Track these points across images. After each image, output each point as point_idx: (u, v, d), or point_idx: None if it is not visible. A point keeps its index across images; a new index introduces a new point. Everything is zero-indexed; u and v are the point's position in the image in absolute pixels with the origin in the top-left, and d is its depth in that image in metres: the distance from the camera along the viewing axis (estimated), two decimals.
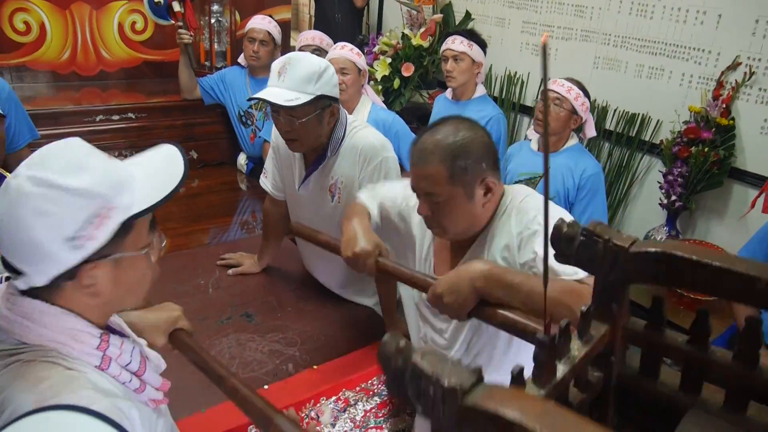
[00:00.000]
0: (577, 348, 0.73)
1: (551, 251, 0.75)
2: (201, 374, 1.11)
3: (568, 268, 1.13)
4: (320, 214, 1.94)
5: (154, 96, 3.22)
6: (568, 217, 1.26)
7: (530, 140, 2.55)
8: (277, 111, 1.73)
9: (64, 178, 0.77)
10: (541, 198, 1.35)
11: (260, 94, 1.70)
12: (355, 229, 1.44)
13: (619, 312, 0.75)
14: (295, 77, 1.69)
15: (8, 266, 0.81)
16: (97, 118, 2.95)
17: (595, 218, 2.24)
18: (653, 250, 0.70)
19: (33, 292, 0.81)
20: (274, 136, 1.99)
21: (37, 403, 0.73)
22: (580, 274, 1.13)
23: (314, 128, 1.76)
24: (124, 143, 2.98)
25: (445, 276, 1.26)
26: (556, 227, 0.76)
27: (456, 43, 2.74)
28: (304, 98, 1.68)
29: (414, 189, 1.34)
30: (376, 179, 1.83)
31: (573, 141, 2.37)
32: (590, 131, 2.42)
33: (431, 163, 1.27)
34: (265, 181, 2.11)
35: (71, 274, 0.80)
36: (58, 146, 0.82)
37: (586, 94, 2.34)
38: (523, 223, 1.30)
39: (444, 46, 2.80)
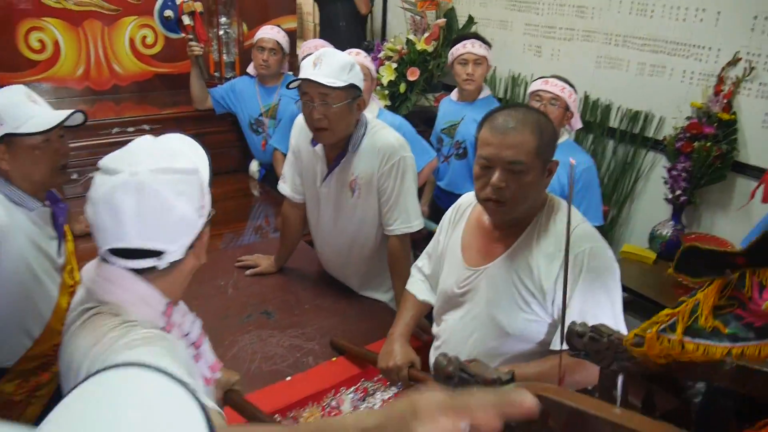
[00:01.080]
0: None
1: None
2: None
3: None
4: (340, 210, 2.03)
5: (167, 108, 3.31)
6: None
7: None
8: (311, 99, 1.81)
9: (175, 163, 0.92)
10: (586, 227, 1.41)
11: (307, 76, 1.79)
12: (393, 345, 1.62)
13: (619, 397, 0.88)
14: (332, 65, 1.80)
15: (139, 253, 0.92)
16: (113, 131, 3.04)
17: (592, 210, 2.33)
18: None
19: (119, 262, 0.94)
20: (295, 139, 2.07)
21: (117, 355, 0.83)
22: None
23: (345, 117, 1.85)
24: None
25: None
26: (569, 328, 0.92)
27: (476, 47, 2.79)
28: (341, 83, 1.79)
29: (491, 159, 1.34)
30: (394, 177, 1.92)
31: (565, 137, 2.42)
32: (577, 123, 2.50)
33: (522, 133, 1.32)
34: (284, 186, 2.19)
35: (193, 242, 0.97)
36: (144, 141, 0.96)
37: (575, 90, 2.41)
38: (573, 273, 1.35)
39: (462, 50, 2.82)
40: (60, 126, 1.62)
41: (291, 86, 1.86)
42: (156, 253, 0.94)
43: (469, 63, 2.81)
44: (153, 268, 0.95)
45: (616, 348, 0.91)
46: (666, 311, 0.84)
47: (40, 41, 3.15)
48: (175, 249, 0.95)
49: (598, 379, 0.93)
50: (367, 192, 1.96)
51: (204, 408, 0.45)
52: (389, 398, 1.84)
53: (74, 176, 2.89)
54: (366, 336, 1.90)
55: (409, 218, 1.96)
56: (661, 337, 0.81)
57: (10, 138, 1.56)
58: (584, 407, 0.71)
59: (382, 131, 1.97)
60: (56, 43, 3.19)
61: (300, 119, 2.12)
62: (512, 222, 1.43)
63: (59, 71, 3.25)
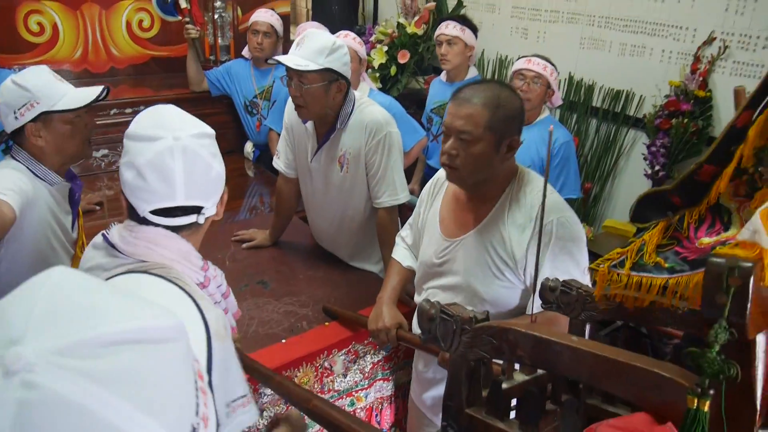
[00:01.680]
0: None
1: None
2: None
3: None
4: (330, 184, 2.13)
5: (162, 90, 3.39)
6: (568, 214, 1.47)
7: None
8: (291, 76, 1.92)
9: (204, 128, 1.04)
10: (556, 198, 1.52)
11: (277, 58, 1.91)
12: (381, 308, 1.72)
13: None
14: (310, 48, 1.90)
15: (182, 211, 1.03)
16: (111, 112, 3.12)
17: (569, 183, 2.43)
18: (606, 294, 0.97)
19: (150, 223, 1.03)
20: (288, 116, 2.18)
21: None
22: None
23: (320, 98, 1.94)
24: None
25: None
26: (543, 284, 1.04)
27: (449, 28, 2.90)
28: (313, 66, 1.88)
29: (447, 127, 1.46)
30: (381, 152, 2.01)
31: (545, 113, 2.53)
32: (557, 101, 2.61)
33: (475, 106, 1.41)
34: (278, 162, 2.29)
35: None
36: (168, 110, 1.06)
37: (555, 69, 2.51)
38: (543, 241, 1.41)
39: (438, 31, 2.96)
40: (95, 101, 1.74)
41: (270, 62, 2.00)
42: (196, 210, 1.04)
43: (443, 43, 2.91)
44: (191, 225, 1.05)
45: (584, 299, 1.01)
46: (617, 249, 0.95)
47: (39, 24, 3.22)
48: (210, 205, 1.06)
49: (568, 329, 1.04)
50: (355, 166, 2.06)
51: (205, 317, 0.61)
52: (378, 361, 1.96)
53: None
54: (357, 303, 2.00)
55: (396, 191, 2.06)
56: (612, 272, 0.93)
57: (46, 115, 1.66)
58: (546, 336, 0.82)
59: (369, 107, 2.07)
60: (55, 26, 3.27)
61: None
62: (481, 193, 1.52)
63: (57, 54, 3.32)
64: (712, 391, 0.62)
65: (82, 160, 1.85)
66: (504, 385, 0.89)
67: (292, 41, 3.84)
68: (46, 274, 0.52)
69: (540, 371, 0.96)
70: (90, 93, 1.72)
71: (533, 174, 1.55)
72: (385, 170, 2.04)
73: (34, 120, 1.65)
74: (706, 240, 0.83)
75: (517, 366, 0.98)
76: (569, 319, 1.05)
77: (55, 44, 3.31)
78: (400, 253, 1.84)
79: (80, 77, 3.42)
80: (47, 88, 1.65)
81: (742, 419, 0.63)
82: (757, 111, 0.78)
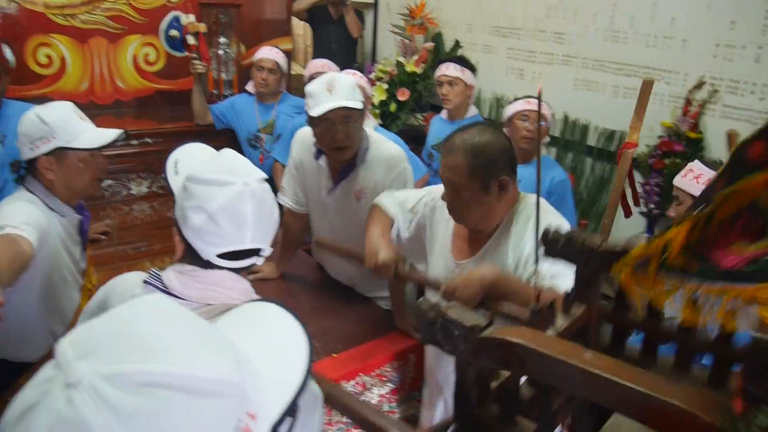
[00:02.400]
0: (561, 321, 0.96)
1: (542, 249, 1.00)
2: None
3: (549, 275, 1.37)
4: (346, 217, 2.18)
5: (165, 122, 3.45)
6: (565, 224, 1.51)
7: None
8: (333, 123, 1.96)
9: (263, 174, 1.09)
10: (552, 212, 1.58)
11: (324, 108, 1.92)
12: (376, 242, 1.67)
13: (593, 295, 0.96)
14: (346, 89, 1.98)
15: (247, 254, 1.07)
16: (117, 143, 3.15)
17: (566, 219, 2.48)
18: (616, 246, 0.92)
19: (214, 266, 1.06)
20: (297, 153, 2.23)
21: None
22: (558, 281, 1.33)
23: (360, 133, 2.05)
24: (143, 167, 3.20)
25: (457, 276, 1.49)
26: (545, 232, 1.00)
27: (450, 69, 3.01)
28: (359, 104, 1.98)
29: (441, 178, 1.56)
30: (397, 186, 2.08)
31: (542, 152, 2.62)
32: (545, 138, 2.72)
33: (456, 157, 1.50)
34: (284, 198, 2.33)
35: None
36: (231, 154, 1.12)
37: (547, 104, 2.62)
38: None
39: (438, 72, 3.06)
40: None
41: (316, 114, 1.95)
42: (258, 252, 1.08)
43: (444, 84, 3.01)
44: (250, 266, 1.09)
45: (590, 249, 0.96)
46: (638, 249, 0.83)
47: (48, 56, 3.29)
48: (267, 246, 1.10)
49: (575, 280, 0.99)
50: (373, 199, 2.11)
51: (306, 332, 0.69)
52: (385, 393, 1.99)
53: None
54: (364, 335, 2.02)
55: None
56: (636, 274, 0.85)
57: (61, 151, 1.70)
58: (556, 355, 0.75)
59: (386, 144, 2.16)
60: (62, 59, 3.34)
61: (300, 135, 2.28)
62: (490, 226, 1.59)
63: (64, 86, 3.38)
64: None
65: (88, 196, 1.90)
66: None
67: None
68: (143, 298, 0.56)
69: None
70: (108, 135, 1.78)
71: (532, 195, 1.62)
72: None
73: (48, 153, 1.69)
74: (745, 246, 0.70)
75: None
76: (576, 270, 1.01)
77: (62, 76, 3.37)
78: (386, 201, 1.85)
79: (86, 109, 3.36)
80: (66, 124, 1.71)
81: None
82: None
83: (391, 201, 1.85)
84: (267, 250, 1.11)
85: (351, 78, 2.04)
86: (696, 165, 2.02)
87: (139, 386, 0.49)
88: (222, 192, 1.02)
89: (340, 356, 1.92)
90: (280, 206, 2.41)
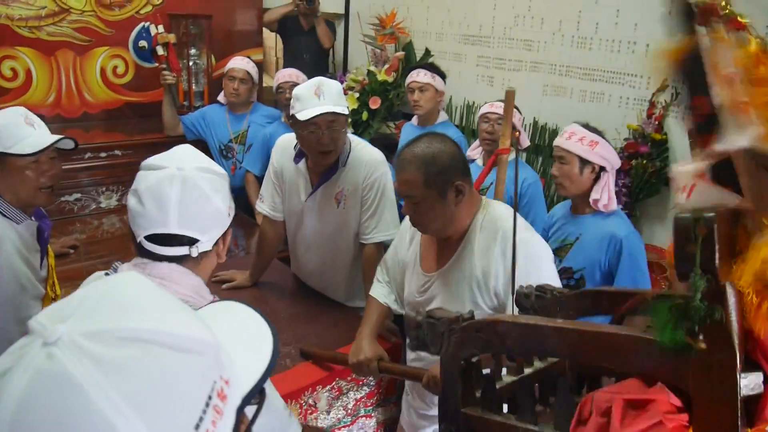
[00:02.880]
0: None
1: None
2: None
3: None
4: (324, 221, 2.19)
5: (136, 134, 3.41)
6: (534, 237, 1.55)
7: (475, 159, 2.76)
8: (319, 127, 1.97)
9: (213, 166, 1.09)
10: (518, 222, 1.57)
11: (313, 112, 1.93)
12: (360, 341, 1.76)
13: None
14: (333, 94, 1.99)
15: (174, 240, 1.05)
16: (85, 156, 3.12)
17: (538, 221, 2.52)
18: (580, 291, 1.04)
19: (167, 259, 1.06)
20: (277, 160, 2.24)
21: None
22: None
23: (344, 137, 2.06)
24: (112, 179, 3.16)
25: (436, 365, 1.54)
26: (518, 292, 1.07)
27: (420, 76, 3.04)
28: (345, 110, 2.00)
29: (398, 192, 1.60)
30: (376, 189, 2.11)
31: (512, 155, 2.65)
32: (525, 142, 2.75)
33: (409, 171, 1.53)
34: (263, 206, 2.32)
35: (218, 238, 1.10)
36: (185, 148, 1.11)
37: (519, 111, 2.65)
38: (507, 257, 1.51)
39: (409, 79, 3.10)
40: (50, 149, 1.73)
41: (303, 118, 1.95)
42: (190, 241, 1.06)
43: (415, 90, 3.04)
44: (187, 257, 1.07)
45: (559, 301, 1.04)
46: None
47: (13, 69, 3.24)
48: (206, 240, 1.07)
49: None
50: (353, 202, 2.13)
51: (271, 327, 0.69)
52: (361, 397, 1.98)
53: None
54: (340, 340, 2.01)
55: (387, 227, 2.13)
56: None
57: (2, 157, 1.67)
58: (533, 321, 0.86)
59: (367, 147, 2.18)
60: (28, 72, 3.28)
61: (281, 141, 2.27)
62: (455, 233, 1.61)
63: (30, 98, 3.32)
64: (701, 336, 0.66)
65: (37, 206, 1.83)
66: (496, 385, 0.92)
67: (266, 87, 3.96)
68: (123, 273, 0.59)
69: (527, 371, 1.00)
70: (47, 140, 1.72)
71: (496, 203, 1.66)
72: (377, 206, 2.12)
73: None
74: None
75: (504, 371, 1.02)
76: None
77: (28, 89, 3.32)
78: (378, 290, 1.90)
79: (53, 122, 3.39)
80: (7, 130, 1.67)
81: (725, 364, 0.66)
82: None
83: (380, 290, 1.89)
84: (205, 243, 1.07)
85: (338, 84, 2.05)
86: (577, 128, 2.10)
87: (120, 340, 0.49)
88: (153, 174, 1.04)
89: (316, 361, 1.91)
90: (254, 216, 2.43)
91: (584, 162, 2.04)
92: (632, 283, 1.97)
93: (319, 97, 1.97)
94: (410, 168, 1.53)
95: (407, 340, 1.12)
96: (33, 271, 1.82)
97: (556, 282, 1.54)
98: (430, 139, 1.58)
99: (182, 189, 1.03)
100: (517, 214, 1.62)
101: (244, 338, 0.70)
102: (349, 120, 3.78)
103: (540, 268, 1.53)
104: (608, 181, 2.07)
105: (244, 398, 0.60)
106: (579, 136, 2.06)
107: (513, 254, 1.12)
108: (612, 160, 2.08)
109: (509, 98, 2.14)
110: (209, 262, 1.13)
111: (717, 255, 0.67)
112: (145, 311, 0.53)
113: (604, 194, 2.05)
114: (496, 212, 1.60)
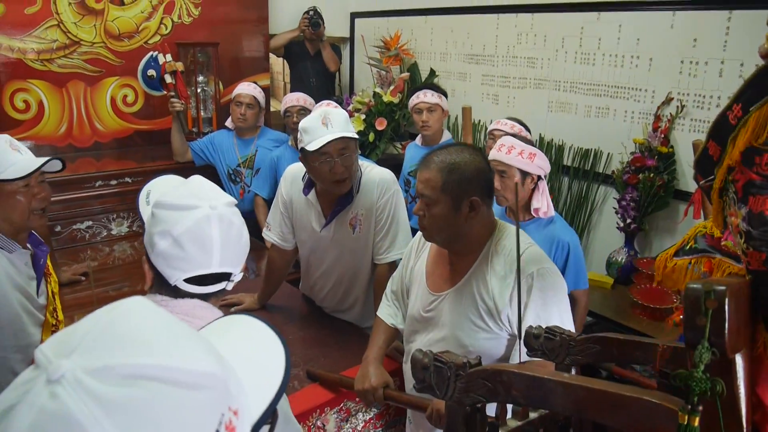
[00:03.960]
0: None
1: None
2: None
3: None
4: (342, 248, 2.18)
5: (146, 162, 3.46)
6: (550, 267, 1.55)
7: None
8: (331, 156, 1.96)
9: (231, 198, 1.09)
10: (536, 258, 1.57)
11: (323, 140, 1.92)
12: (366, 368, 1.74)
13: None
14: (340, 122, 1.98)
15: (215, 278, 1.06)
16: (96, 184, 3.17)
17: (580, 279, 2.37)
18: (590, 336, 1.03)
19: (187, 294, 1.06)
20: (286, 191, 2.24)
21: None
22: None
23: (356, 163, 2.05)
24: (123, 206, 3.20)
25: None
26: (527, 332, 1.08)
27: (428, 96, 3.06)
28: (354, 135, 2.00)
29: (416, 192, 1.58)
30: (389, 208, 2.11)
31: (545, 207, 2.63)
32: (545, 166, 2.69)
33: (432, 170, 1.52)
34: (270, 234, 2.33)
35: None
36: (199, 180, 1.11)
37: (527, 128, 2.64)
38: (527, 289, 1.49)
39: (416, 100, 3.11)
40: (38, 172, 1.75)
41: (314, 147, 1.94)
42: (226, 276, 1.07)
43: (423, 111, 3.06)
44: (220, 292, 1.08)
45: (568, 344, 1.06)
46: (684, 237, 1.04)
47: (25, 102, 3.30)
48: (238, 271, 1.09)
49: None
50: (367, 225, 2.13)
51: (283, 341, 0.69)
52: (370, 419, 1.96)
53: (57, 228, 3.00)
54: (348, 362, 2.01)
55: (401, 246, 2.13)
56: (665, 260, 1.00)
57: None
58: (539, 374, 0.86)
59: (377, 169, 2.19)
60: (40, 103, 3.35)
61: (289, 172, 2.28)
62: (461, 249, 1.60)
63: (42, 130, 3.39)
64: (701, 407, 0.66)
65: (30, 230, 1.84)
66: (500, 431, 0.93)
67: (273, 112, 4.01)
68: (123, 300, 0.56)
69: (532, 416, 1.00)
70: (31, 164, 1.73)
71: (512, 227, 1.62)
72: (390, 226, 2.13)
73: None
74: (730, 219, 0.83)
75: (509, 414, 1.02)
76: (554, 364, 1.10)
77: (41, 120, 3.38)
78: (385, 311, 1.88)
79: (65, 152, 3.48)
80: None
81: None
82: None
83: (387, 309, 1.88)
84: (238, 275, 1.09)
85: (343, 111, 2.06)
86: (513, 140, 2.16)
87: (124, 378, 0.49)
88: (188, 216, 1.02)
89: (323, 383, 1.90)
90: (263, 240, 2.44)
91: (525, 174, 2.12)
92: (574, 284, 2.11)
93: (326, 126, 1.96)
94: (432, 168, 1.52)
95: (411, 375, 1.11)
96: (29, 299, 1.82)
97: (569, 318, 1.53)
98: (461, 148, 1.57)
99: (222, 229, 1.03)
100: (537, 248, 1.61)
101: (256, 356, 0.69)
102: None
103: (561, 301, 1.52)
104: (544, 188, 2.17)
105: (255, 424, 0.60)
106: (518, 150, 2.12)
107: (518, 281, 1.10)
108: (546, 168, 2.18)
109: (465, 115, 2.20)
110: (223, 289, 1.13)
111: (726, 329, 0.67)
112: (150, 345, 0.52)
113: (543, 201, 2.15)
114: (513, 238, 1.54)
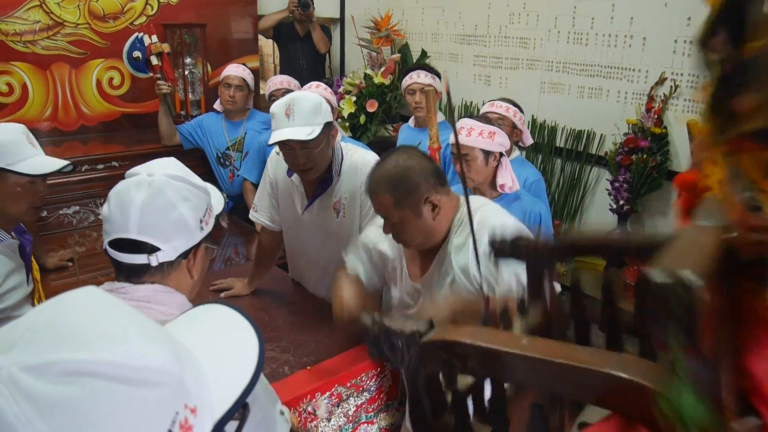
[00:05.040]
0: (518, 323, 0.95)
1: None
2: None
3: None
4: (325, 233, 2.15)
5: (133, 146, 3.40)
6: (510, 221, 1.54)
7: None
8: (292, 148, 1.91)
9: (190, 177, 1.06)
10: (495, 208, 1.60)
11: (277, 137, 1.87)
12: (343, 296, 1.71)
13: (548, 288, 0.98)
14: (304, 113, 1.88)
15: (134, 247, 1.01)
16: (83, 168, 3.11)
17: (544, 217, 2.48)
18: (560, 240, 0.98)
19: (146, 279, 1.03)
20: (272, 171, 2.20)
21: None
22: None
23: (325, 153, 1.98)
24: (109, 191, 3.15)
25: (422, 310, 1.56)
26: (491, 240, 1.02)
27: (422, 77, 3.01)
28: (317, 129, 1.88)
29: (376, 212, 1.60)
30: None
31: (515, 153, 2.62)
32: (528, 140, 2.70)
33: (379, 194, 1.53)
34: (257, 215, 2.29)
35: (188, 252, 1.05)
36: (170, 159, 1.10)
37: (520, 110, 2.60)
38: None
39: (409, 81, 3.05)
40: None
41: (271, 142, 1.92)
42: (150, 249, 1.02)
43: (416, 92, 3.01)
44: (156, 271, 1.03)
45: (535, 246, 0.99)
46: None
47: (8, 84, 3.23)
48: (167, 249, 1.02)
49: (526, 278, 1.01)
50: (352, 210, 2.09)
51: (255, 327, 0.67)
52: (362, 403, 1.95)
53: (44, 213, 2.95)
54: (339, 345, 1.99)
55: None
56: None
57: (1, 172, 1.65)
58: (496, 345, 0.75)
59: (360, 151, 2.14)
60: (24, 86, 3.28)
61: (275, 154, 2.23)
62: (440, 239, 1.61)
63: (27, 113, 3.32)
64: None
65: (21, 222, 1.82)
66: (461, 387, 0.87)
67: (262, 95, 3.95)
68: (76, 290, 0.53)
69: None
70: (51, 164, 1.72)
71: (472, 199, 1.61)
72: None
73: None
74: None
75: None
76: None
77: (25, 104, 3.31)
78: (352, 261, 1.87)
79: (50, 136, 3.42)
80: (12, 146, 1.65)
81: None
82: None
83: (352, 255, 1.88)
84: (167, 253, 1.03)
85: (313, 98, 1.93)
86: (471, 122, 2.18)
87: (63, 376, 0.46)
88: (125, 181, 1.03)
89: (314, 368, 1.88)
90: (253, 223, 2.40)
91: (487, 153, 2.15)
92: None
93: (288, 117, 1.89)
94: (380, 190, 1.52)
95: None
96: (21, 286, 1.81)
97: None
98: (397, 156, 1.56)
99: (146, 194, 1.00)
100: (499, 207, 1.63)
101: (226, 349, 0.66)
102: (347, 124, 3.77)
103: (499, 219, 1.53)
104: (507, 164, 2.22)
105: (219, 421, 0.57)
106: (478, 131, 2.15)
107: (471, 228, 1.07)
108: (506, 144, 2.22)
109: (428, 98, 2.19)
110: (181, 277, 1.07)
111: (701, 331, 0.56)
112: (93, 339, 0.49)
113: (507, 177, 2.20)
114: (473, 208, 1.58)
